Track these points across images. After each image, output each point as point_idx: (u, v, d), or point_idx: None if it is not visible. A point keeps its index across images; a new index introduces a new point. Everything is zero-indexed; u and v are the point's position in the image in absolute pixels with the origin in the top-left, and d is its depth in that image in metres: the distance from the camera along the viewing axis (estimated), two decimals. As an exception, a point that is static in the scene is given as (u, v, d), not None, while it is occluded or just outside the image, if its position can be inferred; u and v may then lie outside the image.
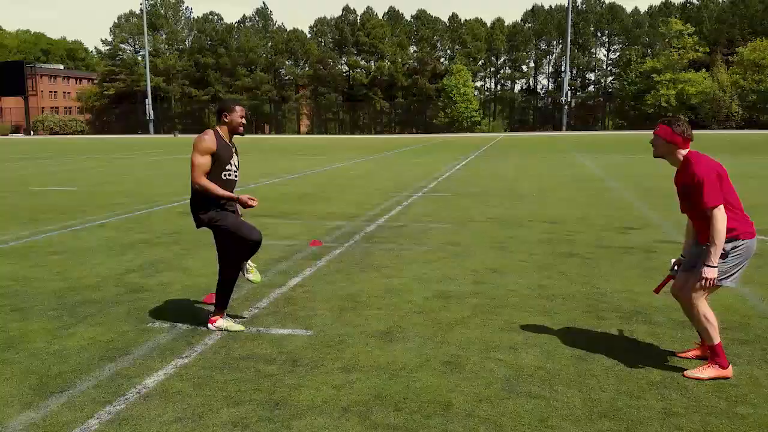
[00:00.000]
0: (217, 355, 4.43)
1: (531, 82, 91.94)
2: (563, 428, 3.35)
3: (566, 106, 77.47)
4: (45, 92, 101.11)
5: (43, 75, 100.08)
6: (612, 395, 3.74)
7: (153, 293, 6.05)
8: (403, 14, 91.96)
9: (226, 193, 4.65)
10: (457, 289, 6.10)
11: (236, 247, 4.84)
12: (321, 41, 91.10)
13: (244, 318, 5.23)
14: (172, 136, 72.05)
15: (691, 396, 3.73)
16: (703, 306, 3.97)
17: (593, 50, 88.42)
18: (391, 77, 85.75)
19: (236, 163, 4.87)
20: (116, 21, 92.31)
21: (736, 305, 5.49)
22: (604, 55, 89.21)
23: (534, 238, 8.72)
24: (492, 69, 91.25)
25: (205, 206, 4.74)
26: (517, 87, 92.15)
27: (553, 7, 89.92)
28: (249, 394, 3.79)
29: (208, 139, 4.63)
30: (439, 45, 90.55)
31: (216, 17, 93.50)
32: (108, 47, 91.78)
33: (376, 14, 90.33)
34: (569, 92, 79.09)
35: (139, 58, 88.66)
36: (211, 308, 5.21)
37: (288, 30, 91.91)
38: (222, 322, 4.94)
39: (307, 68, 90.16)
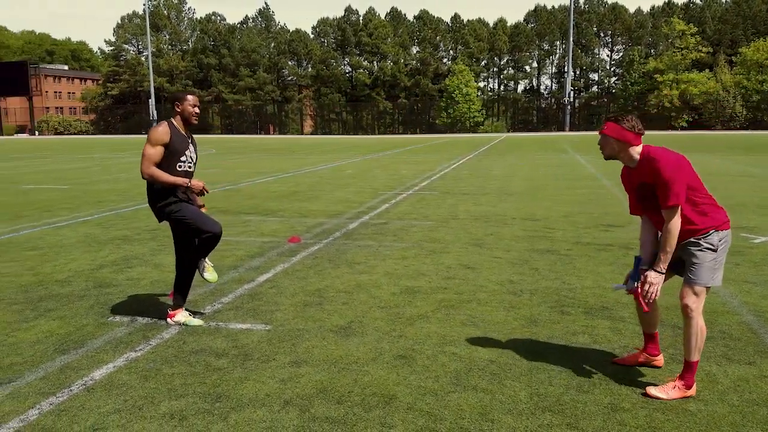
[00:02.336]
0: (170, 348, 4.40)
1: (534, 83, 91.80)
2: (503, 422, 3.30)
3: (569, 107, 77.35)
4: (50, 92, 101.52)
5: (47, 75, 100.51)
6: (560, 390, 3.69)
7: (120, 288, 6.03)
8: (405, 15, 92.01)
9: (176, 179, 4.58)
10: (426, 284, 6.05)
11: (195, 241, 4.81)
12: (323, 41, 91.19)
13: (204, 313, 5.20)
14: (174, 136, 72.00)
15: (642, 392, 3.68)
16: (702, 319, 3.65)
17: (596, 50, 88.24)
18: (394, 77, 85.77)
19: (192, 155, 4.83)
20: (119, 22, 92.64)
21: (707, 301, 5.42)
22: (607, 56, 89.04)
23: (513, 235, 8.66)
24: (495, 69, 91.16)
25: (163, 198, 4.71)
26: (520, 87, 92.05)
27: (555, 7, 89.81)
28: (193, 387, 3.75)
29: (161, 131, 4.60)
30: (441, 45, 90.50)
31: (218, 18, 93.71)
32: (111, 48, 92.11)
33: (378, 15, 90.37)
34: (572, 92, 79.03)
35: (143, 59, 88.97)
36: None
37: (290, 30, 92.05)
38: (180, 317, 4.91)
39: (309, 69, 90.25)
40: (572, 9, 73.87)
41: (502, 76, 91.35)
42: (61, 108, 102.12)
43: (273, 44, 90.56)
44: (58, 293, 5.83)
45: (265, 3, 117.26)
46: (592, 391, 3.68)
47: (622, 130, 3.63)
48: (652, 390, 3.62)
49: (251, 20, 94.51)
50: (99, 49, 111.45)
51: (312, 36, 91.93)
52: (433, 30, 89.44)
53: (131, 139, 62.12)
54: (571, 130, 75.36)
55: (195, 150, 4.92)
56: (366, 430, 3.22)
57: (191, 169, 4.84)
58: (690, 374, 3.62)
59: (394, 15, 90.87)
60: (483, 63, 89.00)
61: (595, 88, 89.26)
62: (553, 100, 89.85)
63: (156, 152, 4.56)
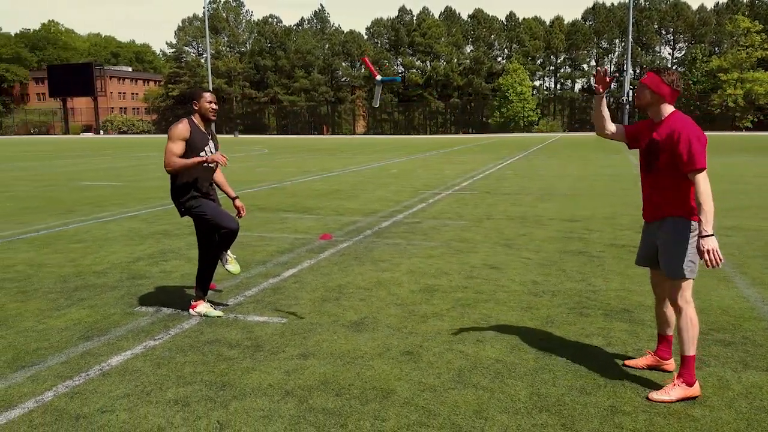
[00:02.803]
0: (187, 338, 4.56)
1: (592, 81, 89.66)
2: (497, 420, 3.30)
3: (627, 106, 75.24)
4: (114, 93, 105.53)
5: (112, 77, 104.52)
6: (562, 391, 3.65)
7: (152, 280, 6.26)
8: (459, 14, 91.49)
9: (194, 159, 4.70)
10: (446, 283, 6.05)
11: (215, 236, 4.96)
12: (377, 42, 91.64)
13: (226, 305, 5.35)
14: (233, 136, 73.96)
15: (647, 395, 3.60)
16: (692, 310, 3.60)
17: (657, 48, 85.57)
18: (446, 77, 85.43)
19: (212, 150, 4.97)
20: (180, 24, 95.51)
21: (735, 306, 5.25)
22: (669, 54, 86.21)
23: (547, 236, 8.54)
24: (551, 68, 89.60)
25: (184, 194, 4.88)
26: (577, 86, 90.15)
27: (615, 4, 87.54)
28: (202, 375, 3.89)
29: (182, 127, 4.77)
30: (495, 44, 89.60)
31: (275, 20, 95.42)
32: (173, 50, 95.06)
33: (432, 14, 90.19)
34: (630, 91, 76.77)
35: (202, 61, 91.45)
36: (214, 293, 5.44)
37: (345, 32, 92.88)
38: (201, 308, 5.07)
39: (363, 69, 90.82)
40: (632, 6, 71.85)
41: (558, 75, 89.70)
42: (125, 108, 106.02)
43: (327, 45, 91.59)
44: (93, 284, 6.11)
45: (321, 5, 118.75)
46: (596, 393, 3.63)
47: (661, 83, 3.56)
48: (654, 395, 3.54)
49: (307, 22, 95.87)
50: (161, 51, 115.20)
51: (366, 37, 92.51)
52: (487, 29, 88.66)
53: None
54: (628, 130, 73.26)
55: (215, 145, 5.07)
56: (359, 422, 3.28)
57: (213, 165, 4.99)
58: (688, 370, 3.53)
59: (448, 14, 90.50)
60: (539, 62, 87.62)
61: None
62: (611, 100, 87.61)
63: (177, 148, 4.73)
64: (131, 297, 5.64)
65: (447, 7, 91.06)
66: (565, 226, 9.35)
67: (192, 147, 4.80)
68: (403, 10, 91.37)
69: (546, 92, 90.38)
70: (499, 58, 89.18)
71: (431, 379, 3.80)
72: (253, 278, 6.27)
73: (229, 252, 5.17)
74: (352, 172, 20.09)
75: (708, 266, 3.41)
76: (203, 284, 5.11)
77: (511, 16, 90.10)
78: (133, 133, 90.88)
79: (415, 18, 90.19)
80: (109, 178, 18.28)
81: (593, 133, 69.56)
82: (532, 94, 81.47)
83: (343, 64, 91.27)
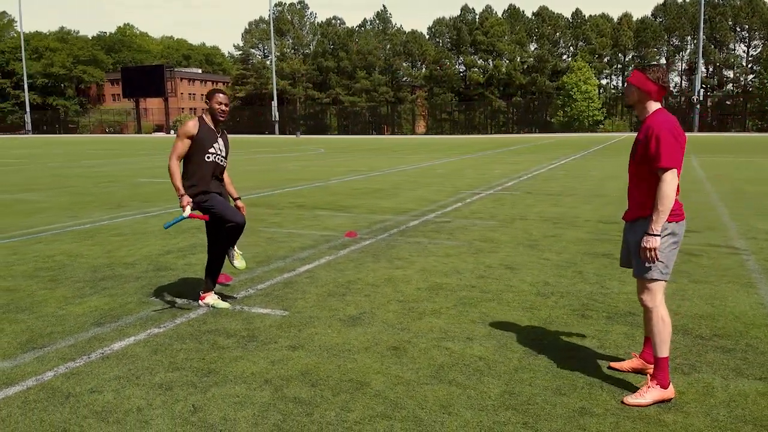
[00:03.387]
0: (190, 327, 4.77)
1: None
2: (460, 415, 3.33)
3: (698, 105, 72.21)
4: (184, 94, 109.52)
5: (182, 78, 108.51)
6: (536, 390, 3.64)
7: (175, 272, 6.55)
8: (523, 11, 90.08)
9: (176, 184, 4.94)
10: (455, 282, 6.06)
11: (222, 229, 5.17)
12: (438, 42, 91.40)
13: (235, 297, 5.56)
14: (295, 136, 75.39)
15: (621, 398, 3.54)
16: (664, 310, 3.56)
17: (731, 46, 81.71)
18: (509, 75, 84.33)
19: (221, 148, 5.18)
20: (247, 27, 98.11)
21: (750, 313, 5.05)
22: (744, 52, 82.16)
23: (576, 237, 8.39)
24: (618, 66, 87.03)
25: (194, 189, 5.09)
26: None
27: (686, 0, 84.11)
28: (192, 362, 4.08)
29: (190, 125, 5.00)
30: (560, 42, 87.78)
31: (338, 21, 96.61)
32: (240, 52, 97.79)
33: (495, 12, 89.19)
34: (702, 90, 73.71)
35: (267, 63, 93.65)
36: (223, 287, 5.68)
37: (406, 32, 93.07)
38: (209, 299, 5.29)
39: (423, 69, 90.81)
40: (703, 2, 68.91)
41: (626, 73, 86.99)
42: (195, 108, 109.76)
43: (388, 46, 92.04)
44: (120, 274, 6.45)
45: (383, 6, 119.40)
46: (570, 394, 3.59)
47: (647, 80, 3.49)
48: (628, 399, 3.48)
49: (369, 23, 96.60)
50: (229, 53, 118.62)
51: (427, 36, 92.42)
52: (552, 26, 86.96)
53: (252, 139, 65.57)
54: (701, 130, 70.39)
55: (225, 144, 5.26)
56: (325, 411, 3.37)
57: (221, 162, 5.20)
58: (662, 372, 3.46)
59: (512, 12, 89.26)
60: (605, 59, 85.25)
61: (729, 86, 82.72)
62: (682, 99, 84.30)
63: (182, 145, 4.97)
64: (150, 287, 5.93)
65: (510, 5, 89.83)
66: (599, 227, 9.15)
67: (199, 144, 5.01)
68: (465, 9, 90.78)
69: (613, 91, 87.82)
70: (564, 56, 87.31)
71: (408, 374, 3.86)
72: (269, 272, 6.46)
73: (235, 248, 5.36)
74: (398, 171, 20.19)
75: (643, 264, 3.50)
76: (212, 276, 5.32)
77: (577, 13, 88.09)
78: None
79: (477, 17, 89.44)
80: (165, 176, 19.05)
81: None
82: (598, 93, 79.33)
83: (404, 64, 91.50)
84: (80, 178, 18.53)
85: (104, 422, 3.27)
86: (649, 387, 3.47)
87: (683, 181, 15.49)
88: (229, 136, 5.62)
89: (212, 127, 5.15)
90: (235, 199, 5.44)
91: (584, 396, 3.57)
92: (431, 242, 8.07)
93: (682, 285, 5.90)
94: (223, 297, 5.49)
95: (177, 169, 5.02)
